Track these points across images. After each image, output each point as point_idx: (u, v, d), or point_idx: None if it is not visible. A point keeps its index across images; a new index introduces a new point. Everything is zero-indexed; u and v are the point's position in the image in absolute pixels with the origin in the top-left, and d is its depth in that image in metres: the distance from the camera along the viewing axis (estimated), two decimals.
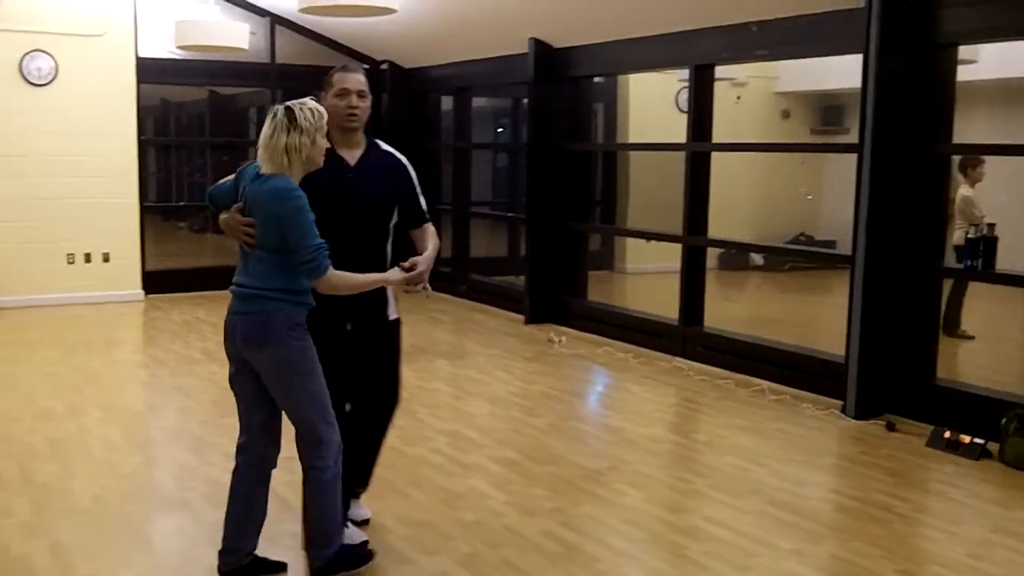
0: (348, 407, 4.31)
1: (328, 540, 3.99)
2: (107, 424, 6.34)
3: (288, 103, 3.81)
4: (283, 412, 3.95)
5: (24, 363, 8.02)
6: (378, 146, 4.35)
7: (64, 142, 10.54)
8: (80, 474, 5.37)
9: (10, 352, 8.43)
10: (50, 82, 10.46)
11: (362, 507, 4.70)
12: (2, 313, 10.10)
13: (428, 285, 4.08)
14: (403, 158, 4.41)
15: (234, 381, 3.98)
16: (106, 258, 10.89)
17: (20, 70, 10.34)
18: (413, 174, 4.41)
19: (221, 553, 4.03)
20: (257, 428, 3.98)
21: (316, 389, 3.89)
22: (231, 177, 4.04)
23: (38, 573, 4.14)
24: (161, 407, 7.07)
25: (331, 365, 3.98)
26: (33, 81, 10.39)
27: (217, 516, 4.69)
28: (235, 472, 4.04)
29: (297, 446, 3.94)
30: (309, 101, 3.85)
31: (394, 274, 4.03)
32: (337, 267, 3.80)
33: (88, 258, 10.78)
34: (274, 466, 4.07)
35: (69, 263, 10.74)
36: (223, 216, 3.98)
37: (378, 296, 4.28)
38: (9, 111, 10.30)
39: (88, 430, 6.19)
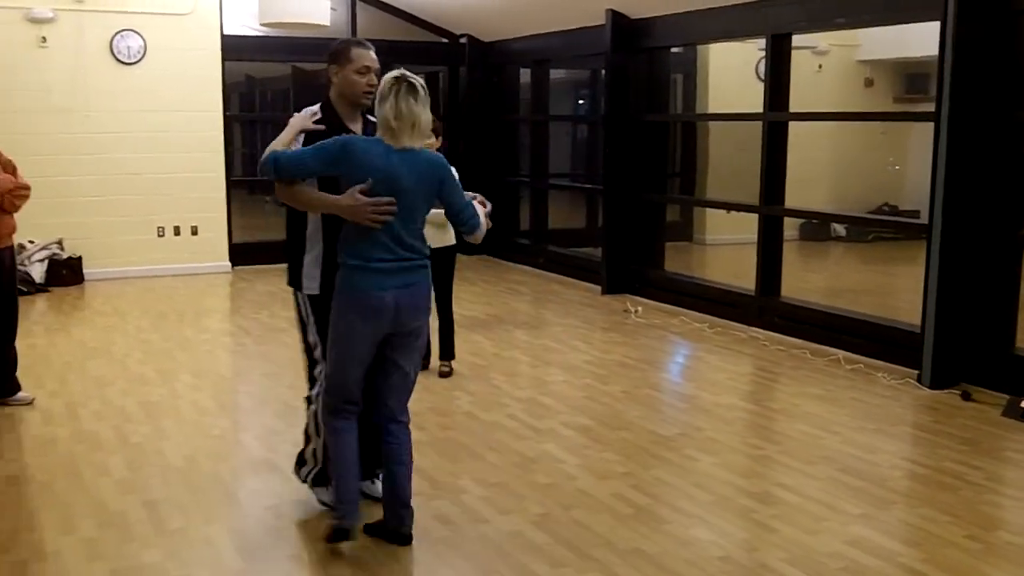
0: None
1: None
2: (197, 389, 6.58)
3: (402, 75, 3.92)
4: (395, 375, 4.09)
5: (118, 331, 8.31)
6: (370, 121, 4.31)
7: (153, 119, 10.83)
8: (172, 435, 5.60)
9: (105, 321, 8.74)
10: (139, 60, 10.73)
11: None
12: (97, 285, 10.46)
13: None
14: None
15: (365, 355, 4.00)
16: (194, 231, 11.19)
17: (111, 49, 10.63)
18: None
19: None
20: (365, 393, 4.10)
21: None
22: (301, 149, 4.03)
23: (134, 527, 4.35)
24: (248, 373, 7.31)
25: None
26: (123, 60, 10.68)
27: None
28: (344, 435, 4.06)
29: (393, 407, 4.12)
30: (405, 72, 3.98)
31: None
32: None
33: (177, 231, 11.10)
34: None
35: (159, 236, 11.05)
36: (349, 201, 3.85)
37: None
38: (100, 90, 10.61)
39: (179, 394, 6.44)
